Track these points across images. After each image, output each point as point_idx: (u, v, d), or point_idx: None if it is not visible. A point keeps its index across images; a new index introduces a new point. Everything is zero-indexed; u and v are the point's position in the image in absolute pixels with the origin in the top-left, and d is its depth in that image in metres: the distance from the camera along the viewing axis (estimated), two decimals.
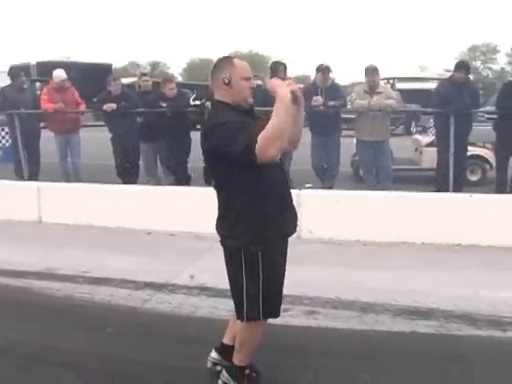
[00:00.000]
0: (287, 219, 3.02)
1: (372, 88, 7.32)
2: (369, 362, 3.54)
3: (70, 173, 8.50)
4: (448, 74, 8.46)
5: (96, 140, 9.34)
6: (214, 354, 3.37)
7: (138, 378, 3.46)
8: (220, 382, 3.20)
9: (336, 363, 3.52)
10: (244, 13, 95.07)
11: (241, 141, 2.61)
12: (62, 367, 3.54)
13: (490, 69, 58.01)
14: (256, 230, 2.86)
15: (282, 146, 2.63)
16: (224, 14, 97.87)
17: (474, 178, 9.23)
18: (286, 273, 3.08)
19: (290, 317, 4.10)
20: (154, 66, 63.23)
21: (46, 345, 3.82)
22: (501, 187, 7.15)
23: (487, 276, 4.98)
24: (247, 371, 3.17)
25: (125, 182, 7.95)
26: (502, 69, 56.61)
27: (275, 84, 2.71)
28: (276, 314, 3.08)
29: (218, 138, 2.71)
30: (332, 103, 7.23)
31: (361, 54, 65.53)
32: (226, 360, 3.26)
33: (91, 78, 15.10)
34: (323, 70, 7.23)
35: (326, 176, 7.95)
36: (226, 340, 3.35)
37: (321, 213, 6.15)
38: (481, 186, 8.37)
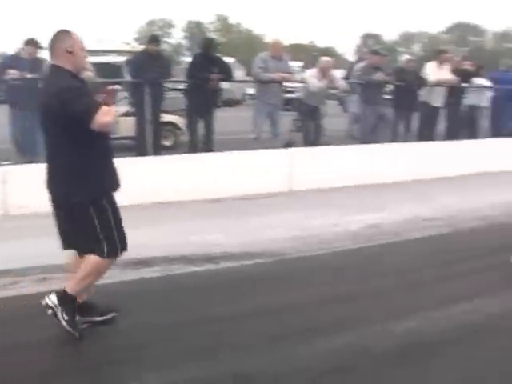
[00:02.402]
0: (116, 176, 3.56)
1: None
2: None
3: None
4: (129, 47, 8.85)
5: None
6: (53, 298, 3.45)
7: None
8: (45, 302, 3.41)
9: None
10: None
11: (84, 102, 3.13)
12: None
13: (167, 43, 61.30)
14: (99, 185, 3.41)
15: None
16: None
17: (167, 143, 10.08)
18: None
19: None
20: None
21: None
22: (193, 147, 8.00)
23: (194, 224, 5.80)
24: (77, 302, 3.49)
25: None
26: (179, 43, 60.74)
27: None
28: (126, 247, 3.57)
29: (65, 99, 3.11)
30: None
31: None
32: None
33: None
34: (31, 43, 7.12)
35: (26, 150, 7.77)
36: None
37: (28, 187, 6.06)
38: (175, 150, 9.20)
